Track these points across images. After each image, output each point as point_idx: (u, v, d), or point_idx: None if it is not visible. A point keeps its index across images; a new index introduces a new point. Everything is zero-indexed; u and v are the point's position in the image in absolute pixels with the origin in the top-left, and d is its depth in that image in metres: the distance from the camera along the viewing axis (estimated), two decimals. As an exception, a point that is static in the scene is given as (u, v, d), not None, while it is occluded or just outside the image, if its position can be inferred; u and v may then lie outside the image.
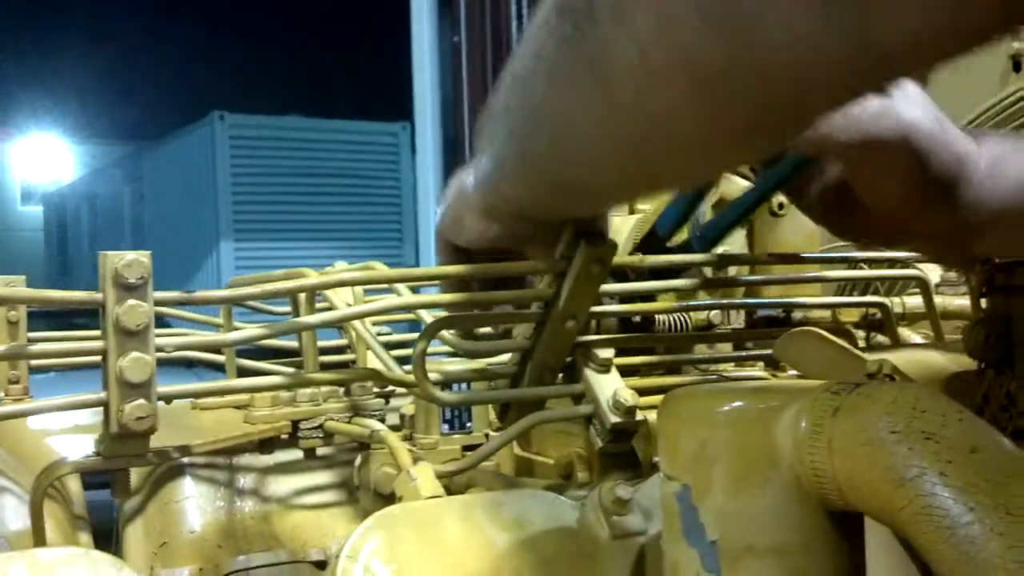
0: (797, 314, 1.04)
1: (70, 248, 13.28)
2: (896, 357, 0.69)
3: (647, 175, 0.61)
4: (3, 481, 0.87)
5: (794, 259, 0.96)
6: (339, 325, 0.91)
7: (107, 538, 1.09)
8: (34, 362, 1.05)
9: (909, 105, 0.69)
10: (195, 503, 1.13)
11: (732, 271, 0.98)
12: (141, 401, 0.64)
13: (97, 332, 0.65)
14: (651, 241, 0.94)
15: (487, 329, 0.83)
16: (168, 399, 0.66)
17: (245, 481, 1.15)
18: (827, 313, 1.08)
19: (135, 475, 1.12)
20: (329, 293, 0.91)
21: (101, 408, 0.66)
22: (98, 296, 0.65)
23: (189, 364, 1.27)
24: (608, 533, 0.64)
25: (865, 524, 0.56)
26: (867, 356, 0.67)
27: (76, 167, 16.52)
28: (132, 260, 0.65)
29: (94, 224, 12.58)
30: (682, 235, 0.93)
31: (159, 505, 1.12)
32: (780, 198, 1.06)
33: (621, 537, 0.64)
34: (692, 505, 0.56)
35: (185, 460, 1.12)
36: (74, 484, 0.99)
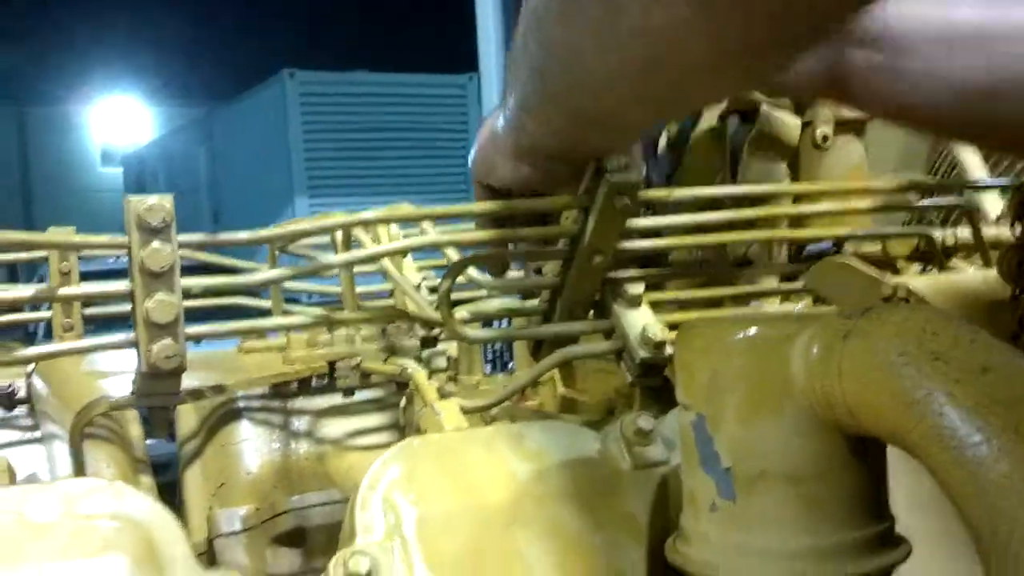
0: (848, 248, 1.02)
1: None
2: (926, 283, 0.68)
3: (658, 100, 0.61)
4: (52, 427, 0.90)
5: (833, 192, 0.94)
6: (370, 262, 0.92)
7: (171, 487, 1.13)
8: (87, 311, 1.08)
9: None
10: (251, 445, 1.16)
11: (773, 204, 0.96)
12: (168, 341, 0.66)
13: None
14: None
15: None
16: (197, 339, 0.67)
17: (299, 424, 1.17)
18: (877, 247, 1.06)
19: (193, 419, 1.16)
20: (362, 236, 0.91)
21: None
22: (122, 239, 0.66)
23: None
24: (630, 463, 0.64)
25: (888, 449, 0.55)
26: (893, 282, 0.66)
27: (153, 128, 16.83)
28: (154, 204, 0.66)
29: (171, 184, 12.82)
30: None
31: (216, 448, 1.15)
32: (823, 130, 1.03)
33: (642, 467, 0.64)
34: (707, 433, 0.56)
35: (241, 404, 1.15)
36: (135, 429, 1.03)
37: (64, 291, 0.68)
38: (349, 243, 0.94)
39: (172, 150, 13.28)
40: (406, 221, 0.78)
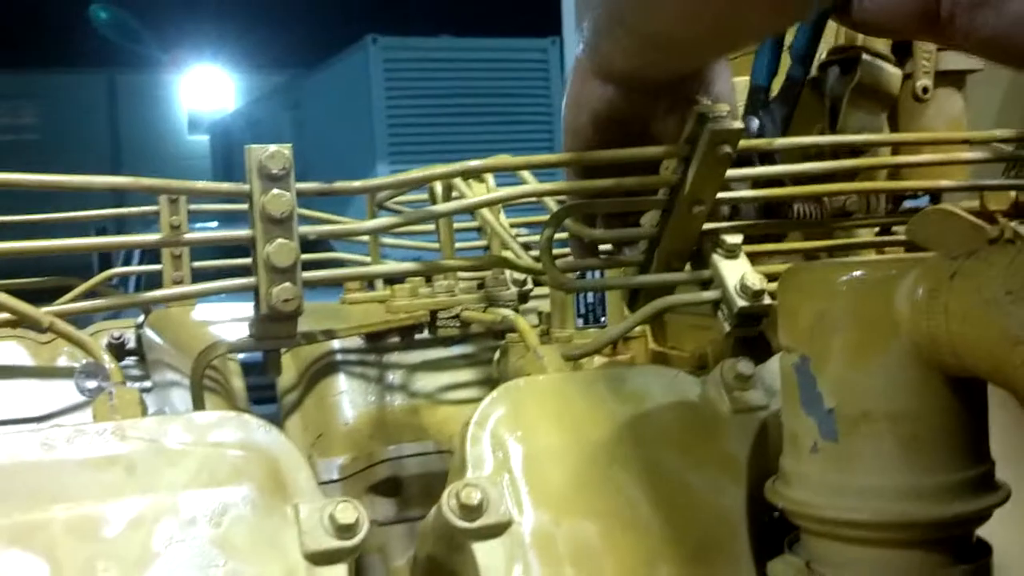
0: (945, 202, 1.01)
1: (235, 174, 13.81)
2: (1031, 230, 0.67)
3: (717, 20, 0.62)
4: (171, 374, 0.94)
5: (933, 142, 0.93)
6: (471, 212, 0.94)
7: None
8: (195, 264, 1.12)
9: None
10: (348, 398, 1.19)
11: (872, 156, 0.96)
12: (287, 284, 0.69)
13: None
14: (754, 99, 0.93)
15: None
16: (312, 284, 0.70)
17: (394, 377, 1.20)
18: (976, 202, 1.05)
19: (293, 373, 1.20)
20: (462, 186, 0.93)
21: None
22: (245, 187, 0.69)
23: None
24: (729, 407, 0.65)
25: (988, 390, 0.55)
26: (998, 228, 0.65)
27: (238, 96, 17.11)
28: (275, 152, 0.69)
29: (258, 151, 13.03)
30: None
31: (316, 399, 1.19)
32: (924, 82, 1.02)
33: (742, 411, 0.65)
34: (810, 375, 0.56)
35: (339, 357, 1.19)
36: (237, 382, 1.07)
37: (189, 236, 0.71)
38: (448, 196, 0.96)
39: (257, 117, 13.51)
40: (506, 171, 0.79)
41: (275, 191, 0.69)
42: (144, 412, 0.61)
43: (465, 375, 1.21)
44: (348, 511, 0.54)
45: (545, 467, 0.60)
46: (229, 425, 0.57)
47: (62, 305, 0.67)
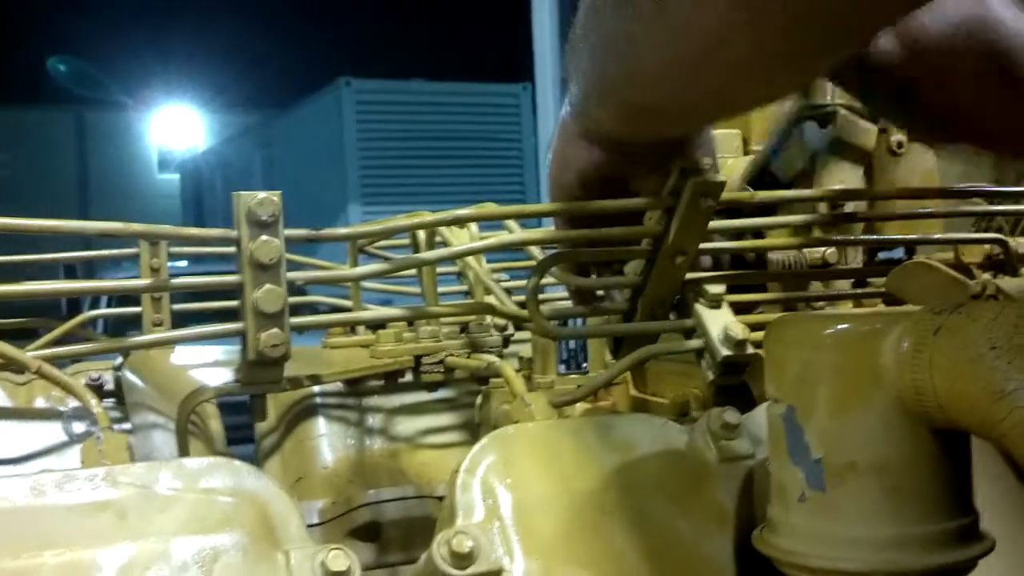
0: (920, 255, 1.03)
1: (206, 214, 13.79)
2: (1014, 283, 0.69)
3: (709, 96, 0.64)
4: (152, 417, 0.94)
5: (911, 194, 0.95)
6: (455, 260, 0.95)
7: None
8: (176, 307, 1.12)
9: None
10: (327, 441, 1.19)
11: (849, 208, 0.98)
12: (275, 330, 0.69)
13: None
14: (765, 180, 0.95)
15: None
16: (300, 329, 0.71)
17: (374, 421, 1.20)
18: (950, 254, 1.07)
19: (272, 415, 1.19)
20: (447, 234, 0.94)
21: (233, 346, 0.71)
22: (233, 233, 0.70)
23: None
24: (716, 456, 0.66)
25: (972, 443, 0.56)
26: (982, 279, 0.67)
27: (209, 135, 17.10)
28: (264, 199, 0.70)
29: (228, 190, 12.97)
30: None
31: (295, 443, 1.19)
32: (898, 136, 1.04)
33: (729, 460, 0.66)
34: (797, 425, 0.57)
35: (318, 400, 1.19)
36: (215, 424, 1.07)
37: (177, 281, 0.71)
38: (432, 243, 0.97)
39: (228, 157, 13.49)
40: (493, 220, 0.80)
41: (264, 237, 0.69)
42: (131, 457, 0.60)
43: (445, 419, 1.21)
44: (340, 558, 0.54)
45: (535, 515, 0.60)
46: (219, 471, 0.57)
47: (49, 349, 0.67)
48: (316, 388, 1.15)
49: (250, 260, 0.69)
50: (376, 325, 1.05)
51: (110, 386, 1.18)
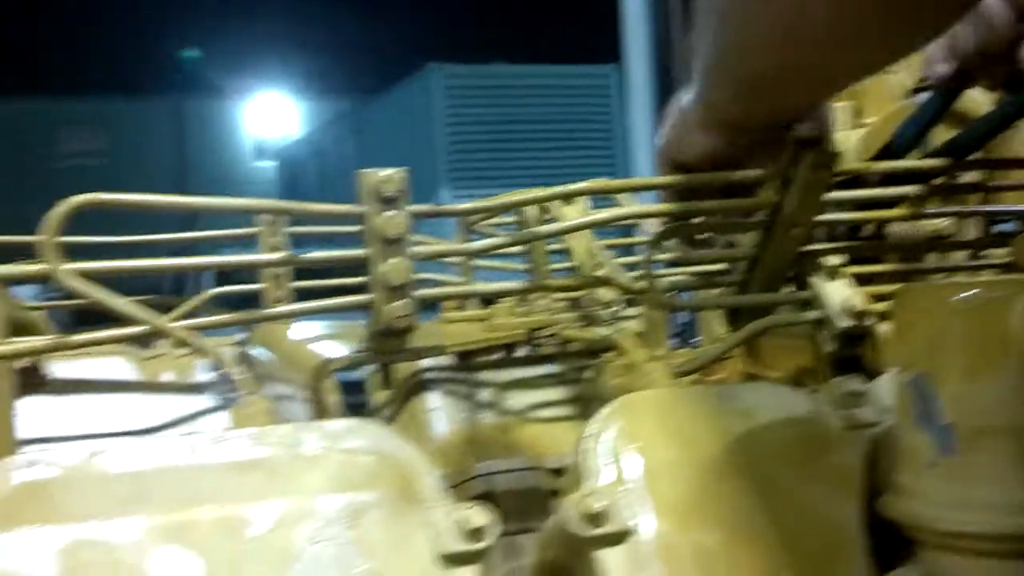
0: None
1: (301, 199, 14.02)
2: None
3: (805, 68, 0.65)
4: (280, 387, 0.98)
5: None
6: (562, 236, 0.96)
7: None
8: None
9: None
10: (441, 414, 1.21)
11: (966, 179, 0.97)
12: (402, 301, 0.71)
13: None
14: (885, 157, 0.94)
15: None
16: (424, 301, 0.73)
17: (485, 395, 1.23)
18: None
19: (385, 392, 1.23)
20: (560, 210, 0.96)
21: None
22: (360, 209, 0.72)
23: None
24: (840, 424, 0.66)
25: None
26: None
27: (303, 123, 17.40)
28: (389, 175, 0.72)
29: (322, 176, 13.26)
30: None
31: (408, 416, 1.22)
32: (1017, 105, 1.02)
33: (853, 428, 0.66)
34: (927, 391, 0.58)
35: (431, 375, 1.22)
36: (334, 398, 1.10)
37: (307, 256, 0.74)
38: (540, 220, 0.98)
39: (322, 144, 13.72)
40: (606, 194, 0.81)
41: (390, 212, 0.72)
42: (274, 421, 0.63)
43: (555, 394, 1.23)
44: (478, 515, 0.56)
45: (661, 479, 0.62)
46: (360, 433, 0.60)
47: (197, 320, 0.70)
48: (428, 363, 1.18)
49: (377, 234, 0.71)
50: (488, 301, 1.07)
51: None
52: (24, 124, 16.03)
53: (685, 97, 0.79)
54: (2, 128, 15.72)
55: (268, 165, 17.20)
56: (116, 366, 1.22)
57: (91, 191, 0.66)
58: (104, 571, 0.51)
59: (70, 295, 1.19)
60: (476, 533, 0.56)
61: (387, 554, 0.55)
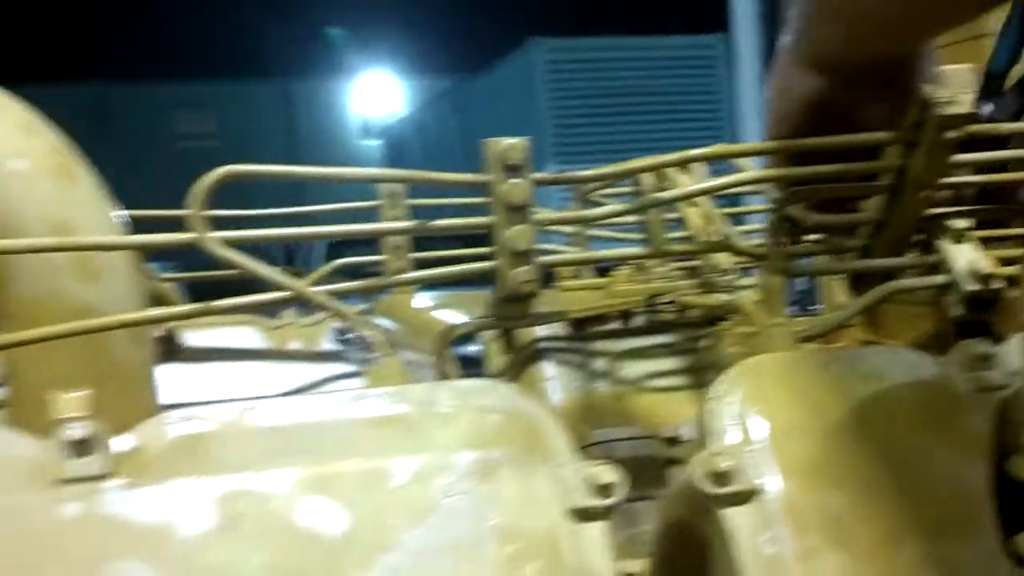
0: None
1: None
2: None
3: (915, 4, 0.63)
4: (406, 354, 1.01)
5: None
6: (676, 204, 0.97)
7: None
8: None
9: None
10: (557, 383, 1.24)
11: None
12: (526, 267, 0.73)
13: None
14: (989, 86, 0.92)
15: None
16: (548, 267, 0.75)
17: (600, 364, 1.24)
18: None
19: (500, 361, 1.25)
20: (677, 176, 0.96)
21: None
22: (486, 177, 0.74)
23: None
24: (970, 386, 0.66)
25: None
26: None
27: (409, 101, 17.59)
28: (513, 144, 0.74)
29: (427, 154, 13.41)
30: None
31: (525, 385, 1.24)
32: None
33: (982, 391, 0.65)
34: (1061, 352, 0.57)
35: (546, 344, 1.24)
36: (452, 367, 1.13)
37: (434, 224, 0.77)
38: (658, 187, 0.99)
39: (426, 122, 13.87)
40: (726, 158, 0.81)
41: (514, 180, 0.73)
42: (409, 381, 0.66)
43: (669, 364, 1.24)
44: (606, 473, 0.58)
45: (787, 441, 0.62)
46: (490, 392, 0.62)
47: (335, 286, 0.73)
48: (544, 333, 1.20)
49: (502, 202, 0.73)
50: (603, 271, 1.08)
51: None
52: (142, 107, 16.63)
53: (786, 39, 0.78)
54: (123, 111, 16.34)
55: (373, 144, 17.46)
56: (245, 335, 1.28)
57: (206, 171, 0.69)
58: (257, 520, 0.55)
59: (191, 268, 1.25)
60: (604, 489, 0.58)
61: (518, 508, 0.57)
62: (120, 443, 0.56)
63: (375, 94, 18.54)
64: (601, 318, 1.11)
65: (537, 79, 9.88)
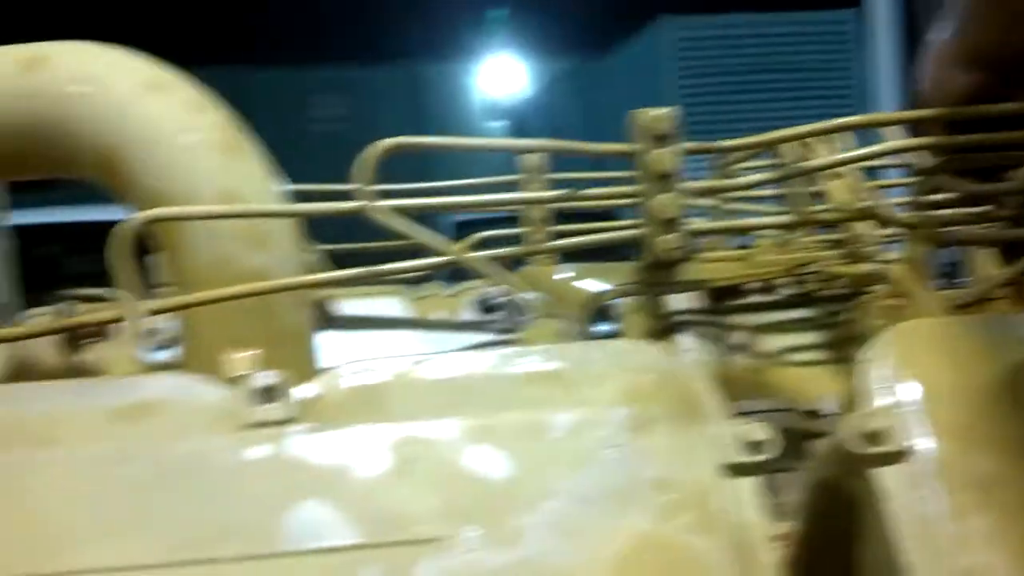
0: None
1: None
2: None
3: None
4: (559, 324, 1.04)
5: None
6: (838, 167, 0.97)
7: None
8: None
9: None
10: (692, 356, 1.25)
11: None
12: (673, 235, 0.75)
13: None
14: None
15: None
16: (695, 234, 0.76)
17: (737, 337, 1.25)
18: None
19: (636, 333, 1.27)
20: (814, 151, 0.96)
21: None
22: (633, 146, 0.76)
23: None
24: None
25: None
26: None
27: (532, 82, 17.63)
28: (661, 114, 0.76)
29: (552, 134, 13.40)
30: None
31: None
32: None
33: None
34: None
35: (682, 317, 1.25)
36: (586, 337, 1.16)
37: (582, 193, 0.80)
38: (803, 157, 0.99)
39: (551, 103, 13.89)
40: (876, 127, 0.82)
41: (662, 149, 0.75)
42: (563, 340, 0.69)
43: (807, 338, 1.24)
44: (759, 430, 0.60)
45: (938, 404, 0.63)
46: (644, 351, 0.64)
47: (491, 251, 0.77)
48: (681, 305, 1.22)
49: (650, 171, 0.75)
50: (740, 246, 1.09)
51: (495, 301, 1.31)
52: (278, 92, 17.13)
53: (942, 35, 0.78)
54: (259, 95, 16.87)
55: (498, 125, 17.57)
56: (391, 305, 1.33)
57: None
58: (427, 465, 0.58)
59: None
60: (757, 446, 0.59)
61: (671, 462, 0.60)
62: (302, 391, 0.60)
63: (500, 76, 18.65)
64: (739, 291, 1.12)
65: (665, 58, 9.78)
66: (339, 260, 1.39)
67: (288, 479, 0.58)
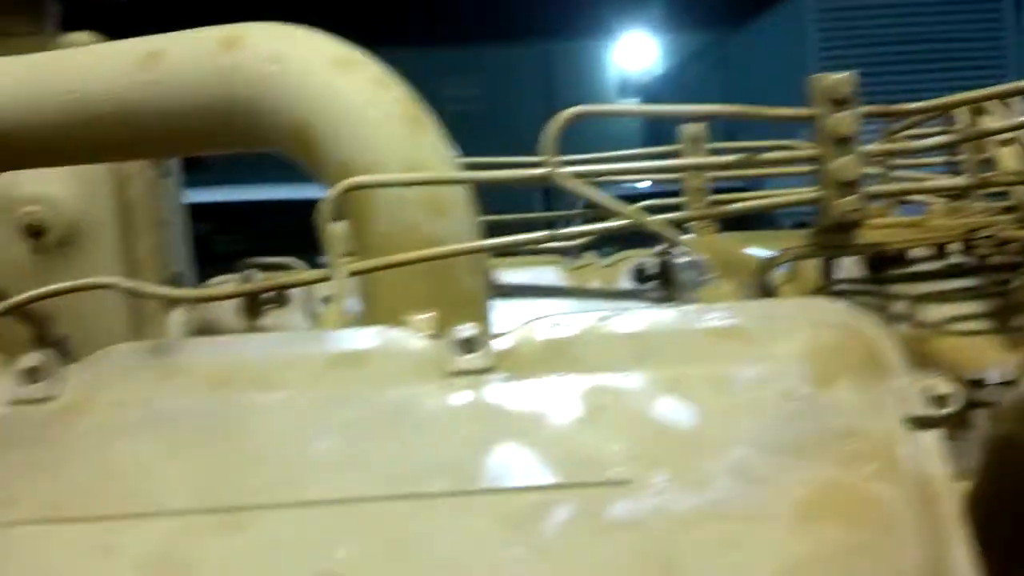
0: None
1: (662, 134, 14.14)
2: None
3: None
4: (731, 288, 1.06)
5: None
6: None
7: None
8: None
9: None
10: None
11: None
12: (853, 197, 0.76)
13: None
14: None
15: None
16: (874, 197, 0.77)
17: (898, 307, 1.24)
18: None
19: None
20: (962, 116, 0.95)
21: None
22: (811, 111, 0.78)
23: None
24: None
25: None
26: None
27: (666, 57, 17.44)
28: (841, 79, 0.77)
29: (687, 111, 13.25)
30: None
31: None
32: None
33: None
34: None
35: (841, 287, 1.25)
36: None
37: (759, 157, 0.81)
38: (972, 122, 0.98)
39: (686, 79, 13.72)
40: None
41: (842, 113, 0.77)
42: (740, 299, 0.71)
43: (970, 307, 1.22)
44: (943, 384, 0.61)
45: None
46: (827, 308, 0.66)
47: (668, 215, 0.80)
48: (841, 274, 1.22)
49: (829, 134, 0.76)
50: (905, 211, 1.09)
51: (650, 271, 1.34)
52: (411, 72, 17.39)
53: None
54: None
55: (632, 103, 17.45)
56: (550, 275, 1.37)
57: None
58: (615, 413, 0.62)
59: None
60: (941, 400, 0.61)
61: (856, 413, 0.61)
62: (499, 343, 0.64)
63: (633, 52, 18.50)
64: (902, 260, 1.12)
65: (808, 29, 9.52)
66: (498, 231, 1.44)
67: (488, 423, 0.62)
